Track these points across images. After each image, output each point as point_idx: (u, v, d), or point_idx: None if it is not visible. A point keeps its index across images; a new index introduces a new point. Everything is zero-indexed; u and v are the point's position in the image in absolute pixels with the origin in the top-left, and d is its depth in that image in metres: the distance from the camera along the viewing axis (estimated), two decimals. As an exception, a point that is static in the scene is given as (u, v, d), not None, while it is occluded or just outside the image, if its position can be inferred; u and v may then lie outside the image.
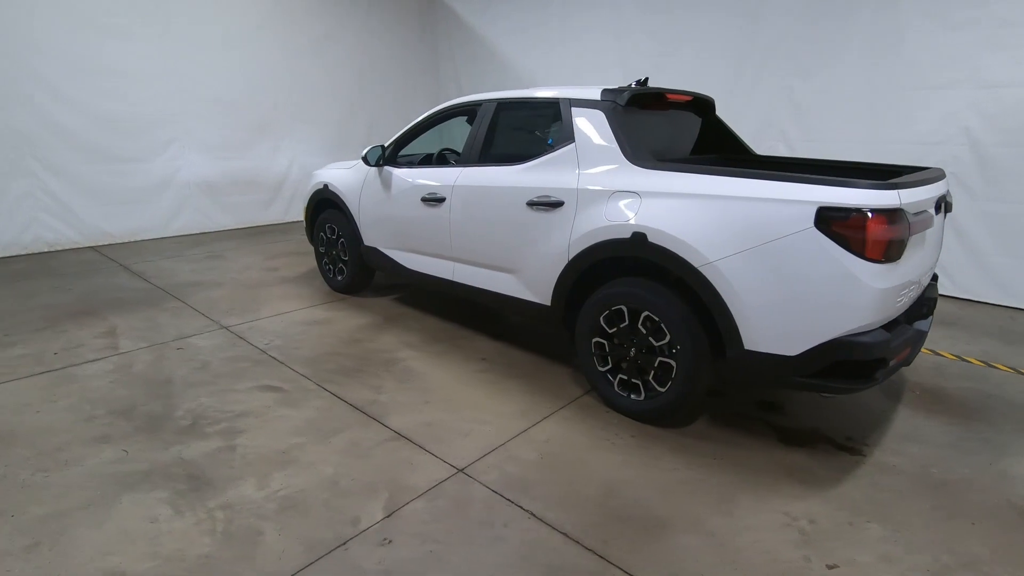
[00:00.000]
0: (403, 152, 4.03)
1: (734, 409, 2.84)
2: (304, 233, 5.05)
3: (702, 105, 3.45)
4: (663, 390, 2.56)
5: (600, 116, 2.81)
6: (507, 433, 2.58)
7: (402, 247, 3.88)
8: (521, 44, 7.75)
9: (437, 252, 3.59)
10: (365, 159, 3.95)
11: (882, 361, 2.15)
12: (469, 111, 3.68)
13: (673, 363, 2.50)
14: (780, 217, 2.14)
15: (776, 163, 3.41)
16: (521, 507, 2.09)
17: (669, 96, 3.12)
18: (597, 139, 2.78)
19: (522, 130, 3.37)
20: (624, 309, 2.64)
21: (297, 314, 4.11)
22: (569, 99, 2.97)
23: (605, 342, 2.76)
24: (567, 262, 2.81)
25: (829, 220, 2.05)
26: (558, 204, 2.84)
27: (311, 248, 6.10)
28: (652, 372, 2.59)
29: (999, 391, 3.12)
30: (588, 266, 2.75)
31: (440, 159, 4.14)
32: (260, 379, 3.07)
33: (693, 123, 3.54)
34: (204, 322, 3.91)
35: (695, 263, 2.32)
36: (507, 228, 3.10)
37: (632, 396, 2.69)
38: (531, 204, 2.95)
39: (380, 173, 3.95)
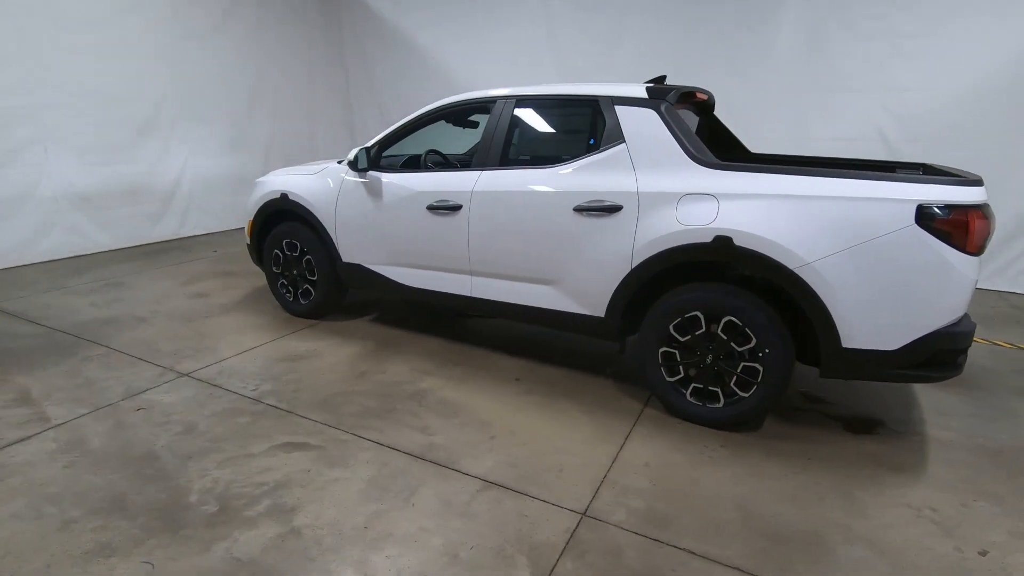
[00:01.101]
0: (383, 155, 3.57)
1: (785, 404, 2.89)
2: (212, 247, 4.30)
3: (705, 104, 3.47)
4: (747, 395, 2.52)
5: (652, 115, 2.68)
6: (600, 463, 2.37)
7: (398, 262, 3.44)
8: (442, 37, 7.36)
9: (449, 266, 3.23)
10: (352, 163, 3.42)
11: (965, 348, 2.29)
12: (471, 110, 3.35)
13: (759, 367, 2.46)
14: (879, 216, 2.18)
15: (776, 161, 3.54)
16: (676, 547, 1.90)
17: (697, 95, 3.08)
18: (654, 139, 2.65)
19: (553, 129, 3.13)
20: (700, 316, 2.54)
21: (268, 349, 3.46)
22: (611, 97, 2.80)
23: (676, 351, 2.64)
24: (630, 270, 2.65)
25: (932, 217, 2.12)
26: (614, 209, 2.66)
27: (236, 267, 5.29)
28: (733, 378, 2.53)
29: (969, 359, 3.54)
30: (655, 274, 2.61)
31: (429, 162, 3.73)
32: (275, 436, 2.51)
33: (693, 120, 3.56)
34: (153, 371, 3.13)
35: (791, 265, 2.29)
36: (548, 236, 2.85)
37: (708, 404, 2.61)
38: (580, 209, 2.74)
39: (364, 179, 3.45)
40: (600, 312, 2.81)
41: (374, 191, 3.41)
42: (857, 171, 2.28)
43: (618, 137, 2.73)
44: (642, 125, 2.69)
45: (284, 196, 3.78)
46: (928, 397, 3.02)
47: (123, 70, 5.73)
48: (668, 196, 2.55)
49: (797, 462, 2.39)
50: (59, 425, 2.57)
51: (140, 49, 5.85)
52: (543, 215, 2.85)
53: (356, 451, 2.41)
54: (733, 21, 5.65)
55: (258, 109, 7.18)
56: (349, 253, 3.60)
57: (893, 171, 3.00)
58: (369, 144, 3.46)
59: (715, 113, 3.65)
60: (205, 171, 6.68)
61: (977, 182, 2.16)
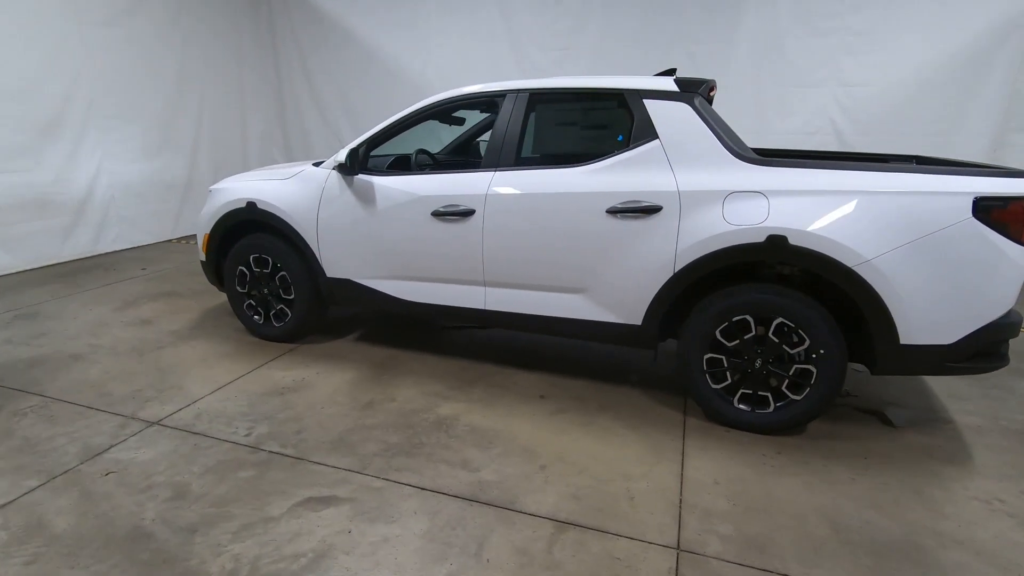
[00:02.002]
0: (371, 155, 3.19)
1: (818, 400, 2.87)
2: (139, 264, 3.76)
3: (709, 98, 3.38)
4: (799, 398, 2.44)
5: (686, 109, 2.53)
6: (668, 485, 2.19)
7: (397, 275, 3.09)
8: (385, 25, 6.89)
9: (460, 277, 2.93)
10: (343, 166, 3.02)
11: (1012, 338, 2.32)
12: (473, 104, 3.07)
13: (813, 369, 2.38)
14: (937, 209, 2.15)
15: (780, 156, 3.53)
16: (787, 575, 1.76)
17: (713, 89, 2.98)
18: (690, 135, 2.50)
19: (574, 126, 2.91)
20: (750, 319, 2.43)
21: (248, 382, 3.00)
22: (638, 90, 2.63)
23: (723, 357, 2.52)
24: (672, 274, 2.49)
25: (989, 209, 2.11)
26: (653, 209, 2.49)
27: (177, 287, 4.65)
28: (785, 382, 2.45)
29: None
30: (700, 277, 2.47)
31: (419, 163, 3.39)
32: (293, 491, 2.13)
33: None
34: (111, 421, 2.60)
35: (850, 263, 2.22)
36: (578, 241, 2.64)
37: (758, 410, 2.51)
38: (614, 212, 2.54)
39: (352, 183, 3.07)
40: (637, 320, 2.63)
41: (365, 197, 3.03)
42: (909, 164, 2.25)
43: (650, 133, 2.56)
44: (676, 120, 2.53)
45: (251, 205, 3.30)
46: (936, 383, 3.11)
47: (20, 62, 4.86)
48: (712, 195, 2.41)
49: (857, 463, 2.34)
50: (4, 506, 2.04)
51: (41, 37, 4.99)
52: (572, 218, 2.63)
53: (396, 500, 2.09)
54: (695, 17, 5.68)
55: (184, 104, 6.40)
56: (335, 267, 3.20)
57: (891, 162, 3.05)
58: (356, 144, 3.07)
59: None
60: (123, 176, 5.86)
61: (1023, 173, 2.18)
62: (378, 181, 3.02)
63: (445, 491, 2.14)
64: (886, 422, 2.67)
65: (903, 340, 2.25)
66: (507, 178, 2.77)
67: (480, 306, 2.94)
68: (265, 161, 7.55)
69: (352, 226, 3.08)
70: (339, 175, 3.10)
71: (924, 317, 2.22)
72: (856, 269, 2.22)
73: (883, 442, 2.51)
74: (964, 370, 2.30)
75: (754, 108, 5.67)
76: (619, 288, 2.63)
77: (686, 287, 2.50)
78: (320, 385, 2.98)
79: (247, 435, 2.49)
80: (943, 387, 3.04)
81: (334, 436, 2.50)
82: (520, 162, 2.81)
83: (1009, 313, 2.23)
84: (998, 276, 2.16)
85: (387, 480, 2.20)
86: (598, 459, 2.35)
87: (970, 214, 2.12)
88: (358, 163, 3.03)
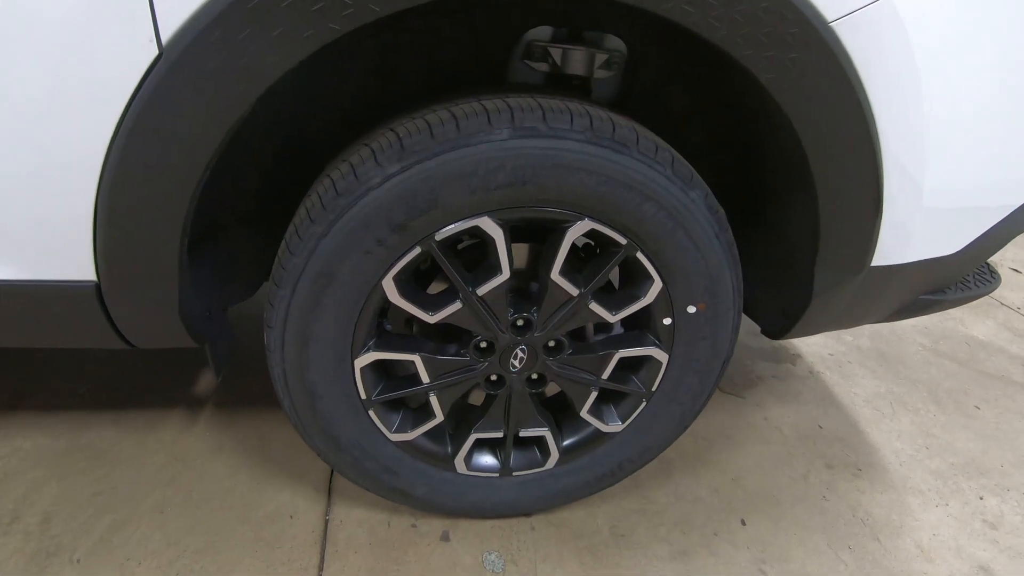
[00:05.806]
0: None
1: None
2: None
3: None
4: (620, 427, 0.89)
5: None
6: None
7: None
8: None
9: None
10: None
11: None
12: None
13: (661, 355, 0.83)
14: None
15: None
16: None
17: None
18: None
19: None
20: (490, 228, 0.69)
21: None
22: None
23: (415, 357, 0.77)
24: (151, 63, 0.54)
25: None
26: None
27: None
28: (591, 398, 0.86)
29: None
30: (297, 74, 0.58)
31: None
32: None
33: None
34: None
35: (831, 12, 0.59)
36: None
37: (521, 471, 0.91)
38: None
39: None
40: (82, 270, 0.65)
41: None
42: None
43: None
44: None
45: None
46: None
47: None
48: None
49: (740, 544, 0.97)
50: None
51: None
52: None
53: None
54: None
55: None
56: None
57: None
58: None
59: None
60: None
61: None
62: None
63: None
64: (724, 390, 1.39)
65: (880, 260, 0.81)
66: None
67: None
68: None
69: None
70: None
71: (942, 193, 0.78)
72: (839, 29, 0.61)
73: (751, 458, 1.20)
74: (943, 306, 1.01)
75: None
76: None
77: (221, 143, 0.59)
78: None
79: None
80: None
81: None
82: None
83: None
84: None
85: None
86: None
87: None
88: None
